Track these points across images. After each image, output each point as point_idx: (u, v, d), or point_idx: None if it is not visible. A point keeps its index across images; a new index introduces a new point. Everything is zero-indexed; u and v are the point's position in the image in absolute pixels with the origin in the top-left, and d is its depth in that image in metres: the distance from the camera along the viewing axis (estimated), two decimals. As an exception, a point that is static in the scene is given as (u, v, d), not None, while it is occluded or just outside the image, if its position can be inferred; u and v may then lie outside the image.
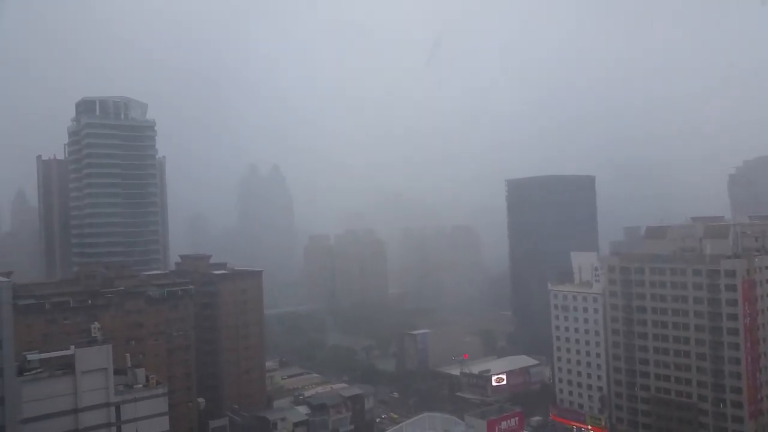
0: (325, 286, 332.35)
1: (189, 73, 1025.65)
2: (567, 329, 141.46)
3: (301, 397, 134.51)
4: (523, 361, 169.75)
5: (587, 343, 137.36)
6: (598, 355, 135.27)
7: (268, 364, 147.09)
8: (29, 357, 77.51)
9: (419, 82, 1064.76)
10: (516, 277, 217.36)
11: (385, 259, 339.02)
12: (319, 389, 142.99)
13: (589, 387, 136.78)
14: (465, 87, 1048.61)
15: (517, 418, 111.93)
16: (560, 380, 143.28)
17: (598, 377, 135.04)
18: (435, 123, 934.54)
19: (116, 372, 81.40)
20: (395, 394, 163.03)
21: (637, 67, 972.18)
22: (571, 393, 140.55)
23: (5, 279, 78.20)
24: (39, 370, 76.70)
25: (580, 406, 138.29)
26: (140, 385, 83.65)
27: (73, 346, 79.17)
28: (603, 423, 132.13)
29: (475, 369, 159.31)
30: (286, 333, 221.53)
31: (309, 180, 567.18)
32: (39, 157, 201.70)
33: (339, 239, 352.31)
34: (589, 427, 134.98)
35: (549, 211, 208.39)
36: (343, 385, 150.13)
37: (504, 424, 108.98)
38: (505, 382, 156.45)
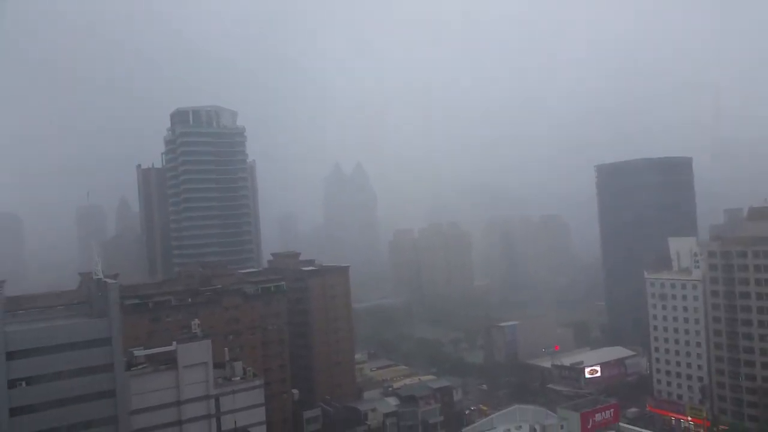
0: (411, 279, 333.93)
1: (274, 80, 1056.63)
2: (665, 318, 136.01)
3: (390, 389, 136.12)
4: (618, 352, 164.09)
5: (686, 332, 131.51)
6: (698, 345, 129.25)
7: (357, 356, 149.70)
8: (136, 353, 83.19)
9: (501, 63, 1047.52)
10: (609, 266, 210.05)
11: (470, 251, 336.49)
12: (408, 381, 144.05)
13: (689, 377, 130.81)
14: (550, 64, 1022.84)
15: (612, 410, 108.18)
16: (658, 371, 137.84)
17: (699, 367, 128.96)
18: (517, 105, 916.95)
19: (215, 365, 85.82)
20: (484, 387, 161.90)
21: (732, 42, 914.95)
22: (669, 384, 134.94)
23: (112, 280, 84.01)
24: (145, 365, 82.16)
25: (679, 396, 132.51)
26: (238, 378, 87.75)
27: (175, 342, 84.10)
28: (704, 414, 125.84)
29: (567, 361, 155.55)
30: (373, 326, 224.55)
31: (392, 176, 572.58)
32: (139, 166, 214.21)
33: (423, 233, 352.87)
34: (689, 418, 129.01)
35: (643, 196, 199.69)
36: (431, 377, 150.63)
37: (598, 417, 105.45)
38: (599, 374, 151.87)
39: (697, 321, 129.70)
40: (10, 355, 70.09)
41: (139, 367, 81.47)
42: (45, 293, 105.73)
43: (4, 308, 75.35)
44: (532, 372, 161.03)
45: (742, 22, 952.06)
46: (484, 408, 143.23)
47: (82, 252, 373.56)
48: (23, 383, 70.77)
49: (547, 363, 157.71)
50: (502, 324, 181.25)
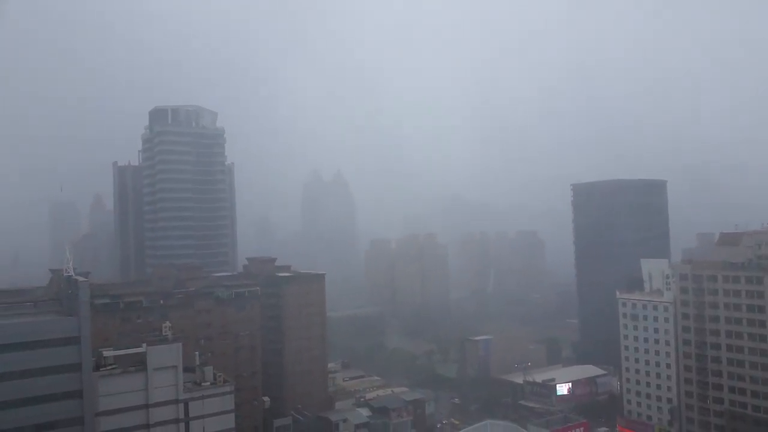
0: (386, 289, 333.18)
1: (255, 82, 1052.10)
2: (636, 338, 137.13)
3: (362, 400, 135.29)
4: (590, 370, 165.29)
5: (657, 353, 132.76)
6: (668, 366, 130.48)
7: (330, 365, 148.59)
8: (105, 353, 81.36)
9: (481, 83, 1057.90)
10: (582, 285, 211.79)
11: (446, 263, 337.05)
12: (380, 392, 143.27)
13: (659, 398, 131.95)
14: (529, 87, 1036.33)
15: (582, 429, 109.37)
16: (628, 391, 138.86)
17: (668, 388, 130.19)
18: (498, 125, 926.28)
19: (185, 369, 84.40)
20: (456, 400, 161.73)
21: (715, 71, 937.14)
22: (639, 404, 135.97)
23: (83, 279, 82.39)
24: (113, 366, 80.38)
25: (649, 417, 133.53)
26: (208, 383, 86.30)
27: (145, 344, 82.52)
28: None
29: (539, 377, 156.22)
30: (347, 335, 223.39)
31: (371, 184, 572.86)
32: (115, 163, 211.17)
33: (400, 243, 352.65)
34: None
35: (618, 216, 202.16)
36: (404, 389, 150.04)
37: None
38: (570, 392, 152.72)
39: (667, 342, 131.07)
40: (-24, 351, 68.32)
41: (108, 367, 79.70)
42: (14, 289, 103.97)
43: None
44: (504, 387, 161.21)
45: (726, 53, 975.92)
46: (456, 422, 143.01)
47: (53, 248, 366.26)
48: (-12, 380, 69.01)
49: (519, 379, 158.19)
50: (476, 338, 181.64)
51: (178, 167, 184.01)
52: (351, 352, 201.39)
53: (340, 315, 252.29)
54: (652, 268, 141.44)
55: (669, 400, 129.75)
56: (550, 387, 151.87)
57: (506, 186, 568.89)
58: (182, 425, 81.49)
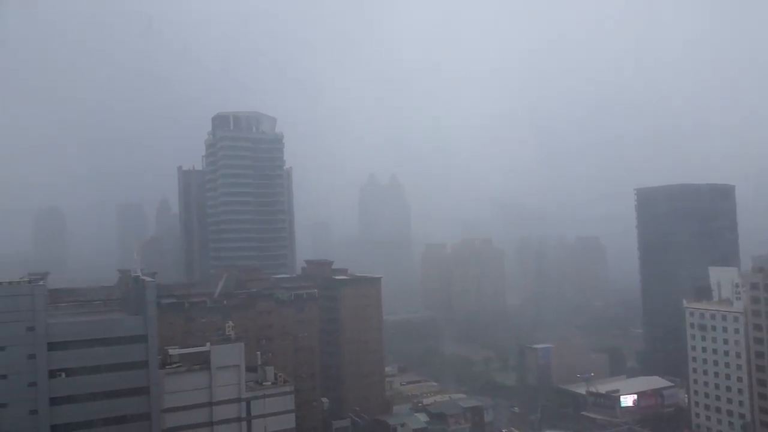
0: (441, 294, 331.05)
1: (311, 86, 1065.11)
2: (704, 350, 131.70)
3: (419, 405, 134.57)
4: (656, 382, 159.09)
5: (727, 365, 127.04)
6: (739, 379, 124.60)
7: (387, 369, 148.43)
8: (171, 352, 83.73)
9: (538, 84, 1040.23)
10: (647, 293, 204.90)
11: (502, 269, 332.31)
12: (438, 398, 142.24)
13: (730, 413, 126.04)
14: (586, 87, 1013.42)
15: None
16: (696, 404, 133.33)
17: (740, 403, 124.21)
18: (554, 126, 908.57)
19: (247, 369, 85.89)
20: (516, 409, 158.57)
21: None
22: (708, 418, 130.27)
23: (150, 279, 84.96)
24: (179, 364, 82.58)
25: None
26: (269, 383, 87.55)
27: (209, 343, 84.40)
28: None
29: (603, 388, 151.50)
30: (402, 340, 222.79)
31: (427, 189, 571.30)
32: (180, 168, 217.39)
33: (456, 248, 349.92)
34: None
35: (684, 222, 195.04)
36: (461, 395, 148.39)
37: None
38: (635, 404, 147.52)
39: (738, 354, 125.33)
40: (51, 346, 71.36)
41: (173, 365, 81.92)
42: (84, 288, 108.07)
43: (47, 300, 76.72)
44: (565, 397, 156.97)
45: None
46: (516, 431, 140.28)
47: (122, 250, 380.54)
48: (63, 374, 71.94)
49: (581, 389, 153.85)
50: (536, 346, 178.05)
51: (239, 172, 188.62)
52: (406, 356, 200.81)
53: (395, 319, 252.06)
54: (721, 277, 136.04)
55: (741, 416, 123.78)
56: (613, 398, 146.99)
57: (565, 187, 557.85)
58: (244, 424, 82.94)
